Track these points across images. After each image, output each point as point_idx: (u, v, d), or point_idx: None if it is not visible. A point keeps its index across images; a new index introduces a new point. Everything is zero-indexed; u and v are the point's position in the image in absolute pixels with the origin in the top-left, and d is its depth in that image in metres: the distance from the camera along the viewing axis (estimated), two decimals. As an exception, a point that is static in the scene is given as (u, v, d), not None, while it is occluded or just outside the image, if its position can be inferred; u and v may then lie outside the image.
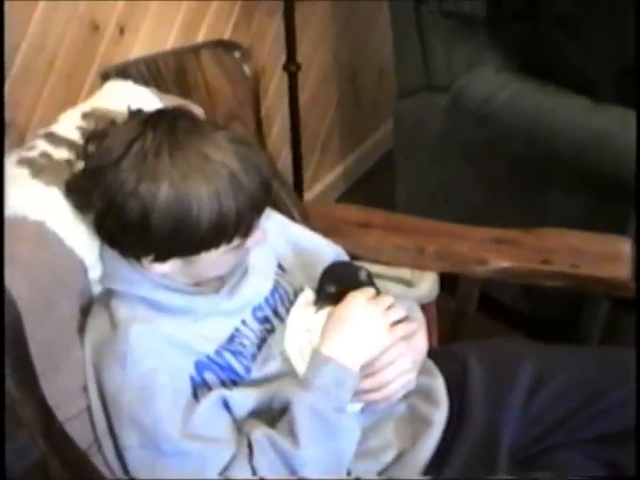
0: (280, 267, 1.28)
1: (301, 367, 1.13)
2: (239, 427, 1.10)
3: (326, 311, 1.15)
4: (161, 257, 1.08)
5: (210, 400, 1.08)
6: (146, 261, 1.08)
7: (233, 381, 1.13)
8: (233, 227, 1.05)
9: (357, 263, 1.26)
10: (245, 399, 1.10)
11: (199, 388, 1.10)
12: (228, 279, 1.17)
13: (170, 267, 1.09)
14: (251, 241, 1.12)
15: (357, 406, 1.14)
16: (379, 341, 1.12)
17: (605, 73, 1.78)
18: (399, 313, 1.15)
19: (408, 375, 1.15)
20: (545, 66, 1.85)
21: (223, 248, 1.08)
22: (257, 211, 1.08)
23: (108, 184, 1.03)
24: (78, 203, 1.10)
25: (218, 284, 1.17)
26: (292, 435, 1.05)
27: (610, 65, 1.76)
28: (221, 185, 1.03)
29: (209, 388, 1.10)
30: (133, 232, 1.04)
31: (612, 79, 1.78)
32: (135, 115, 1.11)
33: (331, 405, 1.07)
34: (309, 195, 2.46)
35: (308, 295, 1.22)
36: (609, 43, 1.76)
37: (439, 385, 1.22)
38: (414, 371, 1.17)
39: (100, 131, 1.11)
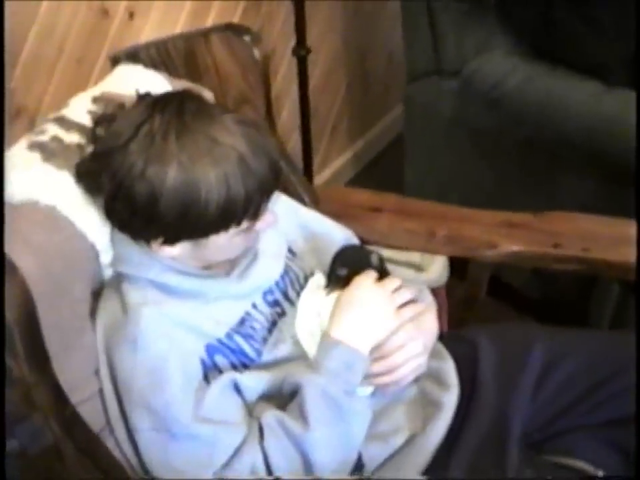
0: (290, 250, 1.28)
1: (311, 350, 1.13)
2: (250, 410, 1.10)
3: (336, 294, 1.15)
4: (170, 240, 1.08)
5: (221, 383, 1.08)
6: (155, 244, 1.08)
7: (244, 364, 1.13)
8: (242, 209, 1.05)
9: (369, 247, 1.26)
10: (255, 382, 1.11)
11: (210, 371, 1.10)
12: (238, 262, 1.17)
13: (179, 250, 1.09)
14: (261, 224, 1.12)
15: (368, 389, 1.15)
16: (387, 324, 1.12)
17: (616, 56, 1.76)
18: (405, 295, 1.15)
19: (418, 359, 1.15)
20: (556, 49, 1.84)
21: (232, 231, 1.08)
22: (266, 194, 1.08)
23: (116, 167, 1.03)
24: (88, 187, 1.10)
25: (228, 267, 1.17)
26: (302, 417, 1.06)
27: (622, 48, 1.75)
28: (230, 168, 1.03)
29: (220, 371, 1.11)
30: (142, 215, 1.04)
31: (623, 62, 1.77)
32: (144, 98, 1.11)
33: (341, 388, 1.07)
34: (318, 180, 2.45)
35: (319, 279, 1.22)
36: (621, 26, 1.74)
37: (449, 368, 1.22)
38: (425, 354, 1.16)
39: (109, 115, 1.11)
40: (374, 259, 1.19)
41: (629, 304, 1.72)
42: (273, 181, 1.08)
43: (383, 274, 1.19)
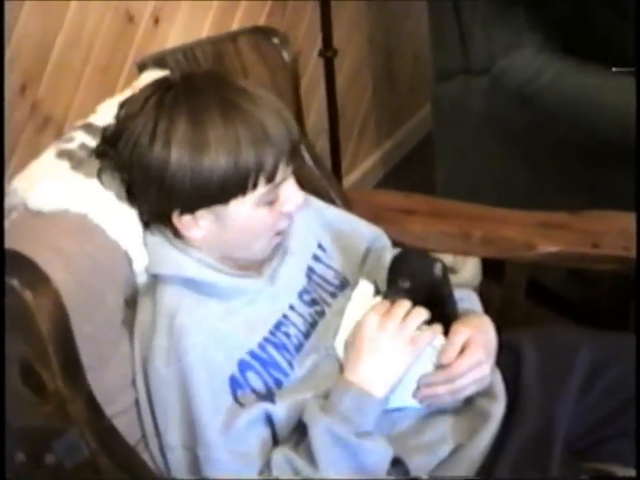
0: (320, 246, 1.26)
1: None
2: (282, 441, 1.08)
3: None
4: (187, 208, 1.06)
5: (251, 415, 1.06)
6: (177, 220, 1.07)
7: (277, 381, 1.10)
8: (255, 170, 1.03)
9: (431, 254, 1.19)
10: (288, 415, 1.08)
11: (241, 390, 1.07)
12: (270, 262, 1.16)
13: (204, 229, 1.07)
14: (289, 203, 1.09)
15: (412, 402, 1.12)
16: (402, 360, 1.08)
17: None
18: (419, 317, 1.09)
19: (481, 369, 1.12)
20: (589, 45, 1.81)
21: (250, 197, 1.05)
22: (281, 156, 1.05)
23: (130, 131, 1.04)
24: (107, 164, 1.10)
25: (259, 266, 1.16)
26: (310, 457, 1.03)
27: (636, 35, 1.71)
28: (241, 126, 1.02)
29: (253, 390, 1.08)
30: (155, 179, 1.03)
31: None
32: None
33: (351, 430, 1.04)
34: (347, 182, 2.43)
35: (365, 288, 1.19)
36: (636, 11, 1.70)
37: (496, 378, 1.18)
38: (488, 365, 1.13)
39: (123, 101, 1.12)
40: (437, 269, 1.12)
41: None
42: (289, 144, 1.06)
43: (445, 285, 1.14)
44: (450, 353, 1.10)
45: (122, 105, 1.09)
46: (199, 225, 1.08)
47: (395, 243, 1.36)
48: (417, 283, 1.10)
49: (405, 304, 1.09)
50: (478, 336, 1.12)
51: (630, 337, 1.27)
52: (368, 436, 1.05)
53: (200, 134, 1.01)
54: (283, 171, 1.07)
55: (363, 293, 1.18)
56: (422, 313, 1.09)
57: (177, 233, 1.10)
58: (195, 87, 1.05)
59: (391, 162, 2.73)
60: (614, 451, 1.18)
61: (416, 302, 1.10)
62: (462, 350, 1.10)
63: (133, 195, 1.10)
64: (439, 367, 1.10)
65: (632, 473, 1.16)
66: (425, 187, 1.99)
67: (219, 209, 1.06)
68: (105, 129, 1.12)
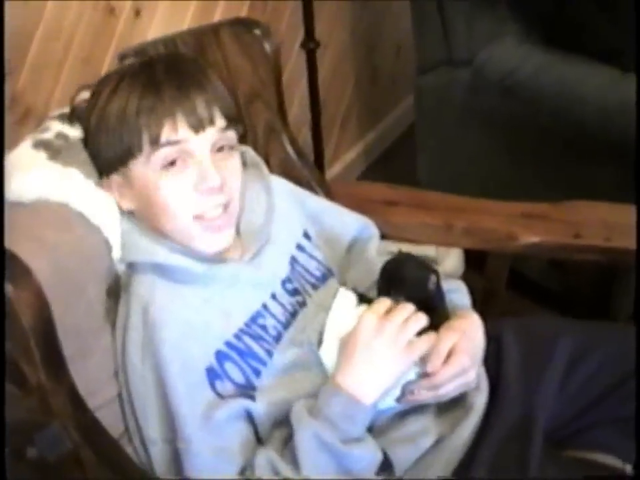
0: (306, 235, 1.26)
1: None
2: (264, 439, 1.07)
3: None
4: (103, 170, 1.11)
5: (232, 409, 1.04)
6: (107, 187, 1.11)
7: (256, 371, 1.09)
8: (135, 128, 1.06)
9: (425, 261, 1.15)
10: (269, 412, 1.06)
11: (219, 381, 1.06)
12: (248, 246, 1.15)
13: (127, 199, 1.11)
14: (202, 182, 1.07)
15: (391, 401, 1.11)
16: (395, 368, 1.04)
17: (630, 41, 1.73)
18: (418, 324, 1.05)
19: (466, 375, 1.10)
20: (570, 36, 1.81)
21: (144, 159, 1.07)
22: (165, 115, 1.06)
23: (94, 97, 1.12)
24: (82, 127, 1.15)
25: (240, 251, 1.15)
26: (294, 461, 1.01)
27: (637, 33, 1.72)
28: (141, 90, 1.06)
29: (231, 381, 1.07)
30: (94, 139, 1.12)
31: (638, 47, 1.74)
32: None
33: (337, 436, 1.01)
34: (329, 174, 2.43)
35: (346, 299, 1.17)
36: (634, 9, 1.71)
37: (480, 370, 1.17)
38: (473, 367, 1.11)
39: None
40: (431, 284, 1.10)
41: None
42: (187, 105, 1.06)
43: (438, 297, 1.13)
44: (435, 362, 1.07)
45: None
46: (121, 194, 1.11)
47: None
48: (411, 298, 1.07)
49: (408, 308, 1.06)
50: (464, 341, 1.10)
51: (609, 325, 1.28)
52: (356, 442, 1.03)
53: (109, 103, 1.08)
54: (170, 133, 1.06)
55: (345, 303, 1.17)
56: (422, 319, 1.06)
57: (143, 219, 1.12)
58: (145, 67, 1.11)
59: (373, 154, 2.73)
60: (594, 439, 1.19)
61: None
62: (447, 356, 1.08)
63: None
64: (424, 374, 1.08)
65: (612, 460, 1.17)
66: (408, 179, 1.99)
67: (125, 171, 1.09)
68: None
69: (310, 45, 2.00)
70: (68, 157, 1.10)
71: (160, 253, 1.09)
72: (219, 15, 1.90)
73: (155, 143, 1.06)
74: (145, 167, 1.08)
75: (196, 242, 1.11)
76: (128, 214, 1.13)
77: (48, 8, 1.50)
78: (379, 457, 1.05)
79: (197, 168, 1.07)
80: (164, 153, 1.06)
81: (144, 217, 1.12)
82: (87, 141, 1.13)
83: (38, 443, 0.92)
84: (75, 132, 1.15)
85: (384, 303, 1.07)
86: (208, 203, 1.09)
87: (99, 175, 1.12)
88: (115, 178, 1.11)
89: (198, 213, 1.09)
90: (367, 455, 1.04)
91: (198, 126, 1.07)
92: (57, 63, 1.55)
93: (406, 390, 1.09)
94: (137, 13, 1.69)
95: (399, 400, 1.10)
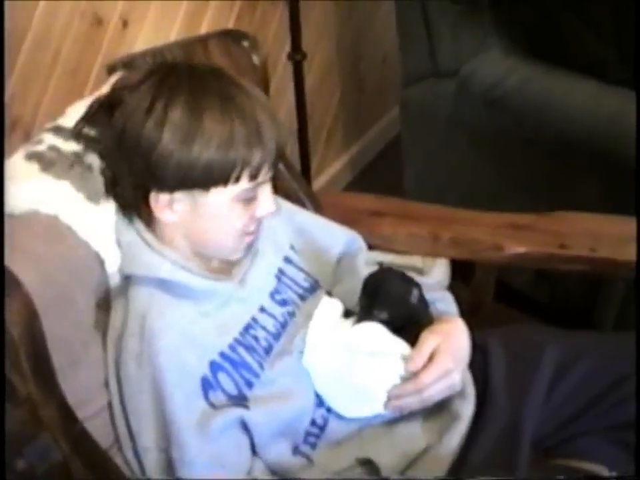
0: (293, 248, 1.27)
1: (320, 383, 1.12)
2: (261, 446, 1.08)
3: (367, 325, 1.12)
4: (168, 186, 1.05)
5: (227, 418, 1.05)
6: (154, 197, 1.06)
7: (248, 382, 1.10)
8: (241, 165, 1.04)
9: (405, 273, 1.18)
10: (264, 421, 1.08)
11: (212, 392, 1.07)
12: (239, 264, 1.16)
13: (178, 214, 1.07)
14: (263, 208, 1.10)
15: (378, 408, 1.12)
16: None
17: (615, 53, 1.76)
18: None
19: (450, 377, 1.12)
20: (554, 48, 1.83)
21: (230, 189, 1.05)
22: (268, 154, 1.06)
23: (126, 104, 1.05)
24: (97, 127, 1.10)
25: (231, 268, 1.16)
26: None
27: (620, 46, 1.74)
28: (237, 116, 1.03)
29: (223, 391, 1.08)
30: (144, 153, 1.03)
31: (622, 59, 1.76)
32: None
33: None
34: (315, 185, 2.43)
35: (330, 308, 1.19)
36: (619, 22, 1.73)
37: (467, 378, 1.18)
38: (457, 369, 1.13)
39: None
40: (413, 297, 1.12)
41: (632, 303, 1.71)
42: (276, 147, 1.07)
43: (421, 310, 1.14)
44: (417, 361, 1.10)
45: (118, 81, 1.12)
46: (173, 209, 1.07)
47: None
48: (394, 314, 1.09)
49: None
50: (447, 343, 1.12)
51: (594, 335, 1.28)
52: None
53: (195, 121, 1.02)
54: (266, 172, 1.07)
55: (327, 312, 1.18)
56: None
57: (149, 221, 1.11)
58: (198, 75, 1.06)
59: (359, 164, 2.74)
60: (581, 448, 1.19)
61: (392, 330, 1.12)
62: (430, 359, 1.10)
63: (113, 174, 1.10)
64: (407, 376, 1.10)
65: (598, 469, 1.18)
66: (393, 190, 1.99)
67: (198, 194, 1.06)
68: (97, 100, 1.12)
69: (297, 57, 2.01)
70: (60, 170, 1.11)
71: (164, 268, 1.09)
72: (206, 25, 1.90)
73: (254, 178, 1.06)
74: (221, 196, 1.06)
75: (236, 253, 1.15)
76: (135, 225, 1.12)
77: (35, 18, 1.50)
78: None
79: (261, 197, 1.10)
80: (252, 191, 1.08)
81: (186, 230, 1.10)
82: (140, 147, 1.04)
83: (27, 454, 0.91)
84: (68, 145, 1.15)
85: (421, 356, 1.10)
86: (259, 223, 1.14)
87: (136, 186, 1.08)
88: (177, 196, 1.07)
89: (250, 230, 1.13)
90: None
91: (274, 163, 1.09)
92: (44, 73, 1.55)
93: (391, 395, 1.10)
94: (125, 23, 1.69)
95: (385, 406, 1.11)
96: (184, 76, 1.05)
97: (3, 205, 1.01)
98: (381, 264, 1.20)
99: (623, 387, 1.17)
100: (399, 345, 1.12)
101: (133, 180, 1.08)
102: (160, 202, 1.07)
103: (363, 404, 1.11)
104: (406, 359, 1.10)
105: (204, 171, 1.03)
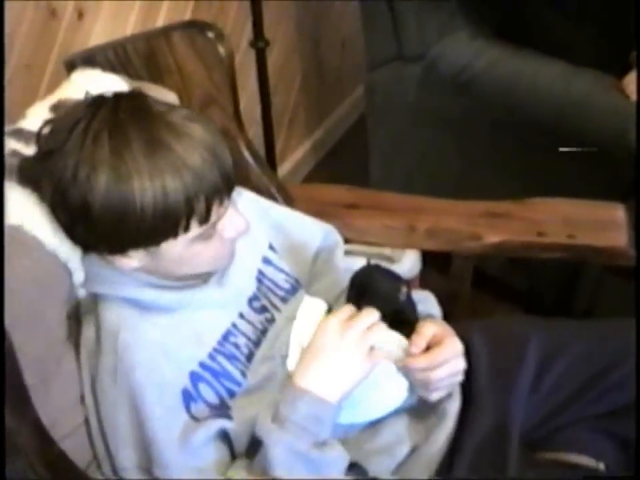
0: (271, 247, 1.23)
1: None
2: (239, 453, 1.05)
3: None
4: (117, 249, 1.00)
5: (209, 431, 1.02)
6: (110, 255, 1.01)
7: (230, 392, 1.07)
8: (185, 215, 0.96)
9: (393, 270, 1.14)
10: (245, 430, 1.04)
11: (193, 403, 1.03)
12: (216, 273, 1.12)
13: (137, 261, 1.02)
14: (229, 231, 1.04)
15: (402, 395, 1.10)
16: (358, 371, 1.02)
17: (582, 35, 1.74)
18: (379, 334, 1.05)
19: (458, 362, 1.10)
20: (521, 31, 1.81)
21: (182, 238, 0.99)
22: (215, 197, 0.99)
23: (52, 169, 0.96)
24: (34, 191, 1.02)
25: (206, 275, 1.11)
26: (267, 473, 0.99)
27: (587, 28, 1.72)
28: (168, 173, 0.94)
29: (205, 402, 1.04)
30: (80, 222, 0.97)
31: (589, 42, 1.75)
32: (87, 98, 1.04)
33: (309, 442, 0.99)
34: (279, 172, 2.40)
35: (314, 307, 1.16)
36: (586, 5, 1.71)
37: None
38: (462, 356, 1.11)
39: (53, 118, 1.04)
40: (402, 295, 1.09)
41: (610, 286, 1.70)
42: (222, 184, 0.99)
43: (409, 307, 1.11)
44: (419, 342, 1.06)
45: (48, 129, 1.01)
46: (131, 258, 1.02)
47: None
48: (382, 310, 1.06)
49: (372, 314, 1.04)
50: (448, 330, 1.10)
51: (577, 324, 1.27)
52: (326, 445, 1.01)
53: (123, 185, 0.93)
54: (218, 207, 1.00)
55: (310, 312, 1.15)
56: (382, 328, 1.05)
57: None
58: (121, 126, 0.95)
59: (322, 150, 2.71)
60: (567, 439, 1.18)
61: None
62: (440, 341, 1.08)
63: (59, 224, 1.02)
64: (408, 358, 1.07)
65: (585, 460, 1.17)
66: (357, 174, 1.97)
67: (151, 248, 1.00)
68: (35, 154, 1.04)
69: (259, 44, 1.96)
70: (22, 177, 1.04)
71: (127, 288, 1.04)
72: (163, 16, 1.85)
73: (205, 222, 0.99)
74: (175, 244, 1.00)
75: (201, 275, 1.10)
76: None
77: (-14, 12, 1.43)
78: (347, 457, 1.04)
79: (225, 222, 1.03)
80: (209, 229, 1.01)
81: (149, 270, 1.04)
82: (74, 216, 0.97)
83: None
84: (30, 150, 1.08)
85: (347, 309, 1.05)
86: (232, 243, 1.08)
87: (91, 248, 1.02)
88: (130, 252, 1.01)
89: (224, 255, 1.09)
90: (338, 459, 1.03)
91: (226, 195, 1.01)
92: (-3, 68, 1.49)
93: (401, 367, 1.08)
94: (80, 14, 1.63)
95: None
96: (103, 130, 0.94)
97: (3, 205, 0.97)
98: (368, 260, 1.16)
99: (609, 375, 1.16)
100: (394, 336, 1.09)
101: (80, 243, 1.03)
102: (115, 257, 1.02)
103: (353, 407, 1.08)
104: (405, 350, 1.07)
105: (147, 232, 0.97)
